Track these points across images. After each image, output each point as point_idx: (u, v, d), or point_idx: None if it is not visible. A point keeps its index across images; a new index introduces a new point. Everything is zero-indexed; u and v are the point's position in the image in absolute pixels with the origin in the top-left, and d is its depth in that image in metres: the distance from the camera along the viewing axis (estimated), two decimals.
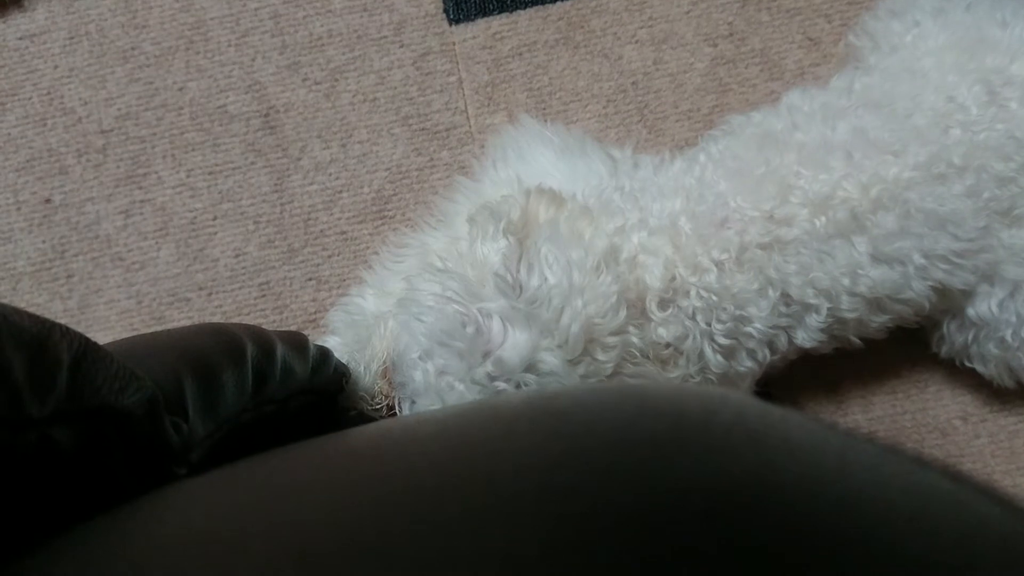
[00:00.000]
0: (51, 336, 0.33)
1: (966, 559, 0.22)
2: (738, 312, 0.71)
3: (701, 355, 0.72)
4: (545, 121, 1.00)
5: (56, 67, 1.06)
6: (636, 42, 1.04)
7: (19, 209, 1.03)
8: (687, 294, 0.71)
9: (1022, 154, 0.73)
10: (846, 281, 0.74)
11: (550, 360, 0.65)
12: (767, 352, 0.75)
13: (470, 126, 1.03)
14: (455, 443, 0.30)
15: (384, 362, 0.74)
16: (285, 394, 0.61)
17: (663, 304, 0.70)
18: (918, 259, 0.74)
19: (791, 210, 0.71)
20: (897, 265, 0.74)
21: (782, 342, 0.75)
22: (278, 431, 0.64)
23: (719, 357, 0.72)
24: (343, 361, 0.78)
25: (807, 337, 0.76)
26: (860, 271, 0.74)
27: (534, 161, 0.92)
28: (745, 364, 0.75)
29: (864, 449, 0.28)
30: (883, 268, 0.74)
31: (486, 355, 0.66)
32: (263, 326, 1.00)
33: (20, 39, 1.07)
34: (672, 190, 0.75)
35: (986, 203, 0.73)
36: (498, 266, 0.67)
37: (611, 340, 0.66)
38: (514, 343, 0.65)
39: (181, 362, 0.47)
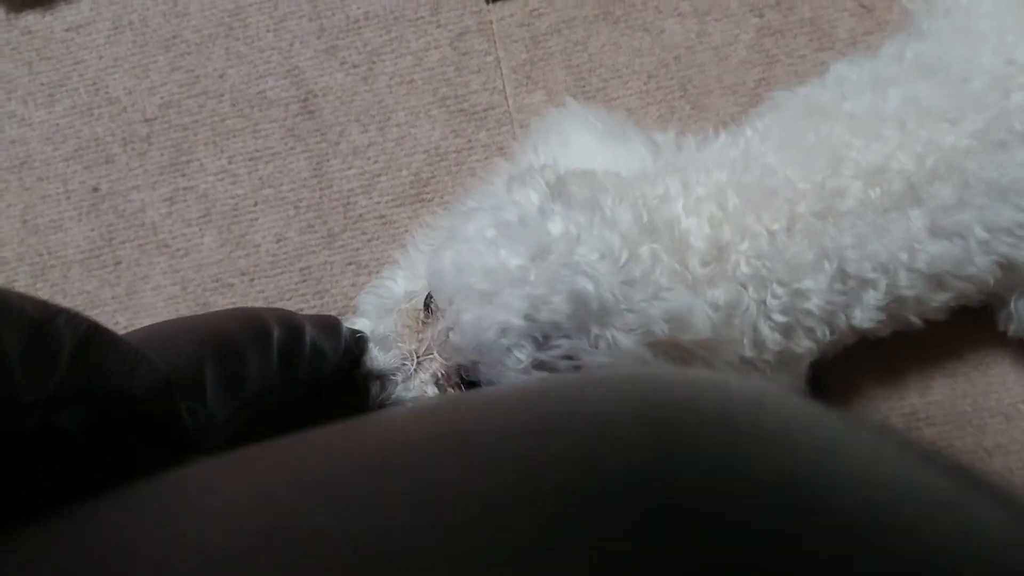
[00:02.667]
0: (53, 321, 0.33)
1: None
2: (794, 285, 0.68)
3: (756, 331, 0.69)
4: (585, 100, 0.98)
5: (101, 57, 1.07)
6: (678, 15, 1.00)
7: (68, 198, 1.05)
8: (737, 263, 0.68)
9: None
10: (904, 256, 0.70)
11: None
12: (826, 330, 0.72)
13: (508, 106, 1.01)
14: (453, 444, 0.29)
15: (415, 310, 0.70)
16: (315, 376, 0.61)
17: (706, 263, 0.67)
18: (980, 232, 0.70)
19: (843, 182, 0.68)
20: (957, 239, 0.70)
21: (840, 320, 0.72)
22: (312, 413, 0.64)
23: (776, 335, 0.69)
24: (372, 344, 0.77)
25: (865, 316, 0.73)
26: (918, 245, 0.70)
27: (576, 145, 0.90)
28: (803, 344, 0.72)
29: (889, 448, 0.25)
30: (942, 242, 0.70)
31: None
32: (303, 311, 1.00)
33: (66, 31, 1.08)
34: (716, 163, 0.72)
35: None
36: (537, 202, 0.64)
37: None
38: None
39: (202, 346, 0.47)
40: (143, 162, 1.05)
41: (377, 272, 1.00)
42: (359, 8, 1.05)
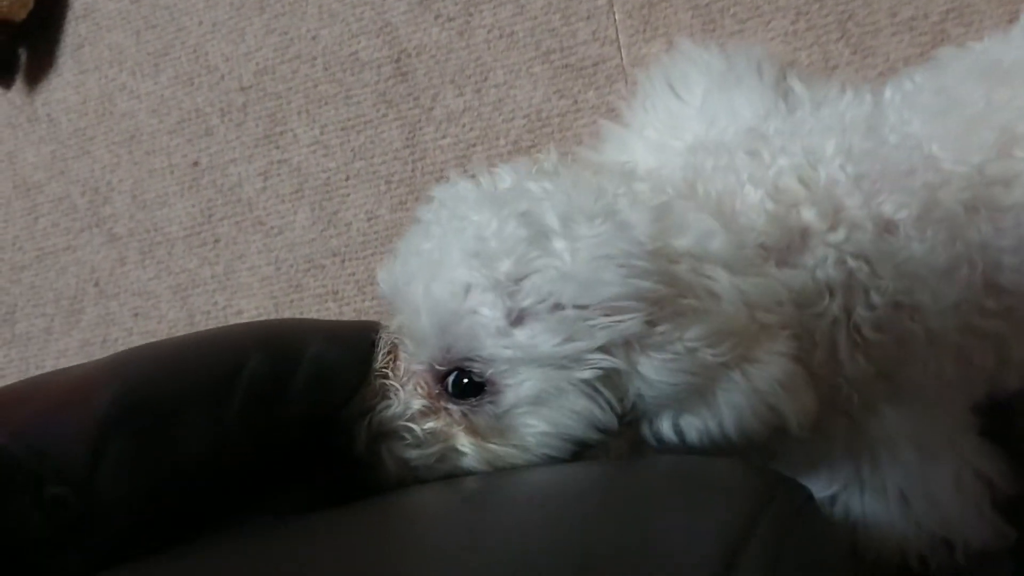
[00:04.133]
0: None
1: None
2: (900, 297, 0.49)
3: (833, 348, 0.51)
4: (713, 46, 0.79)
5: (200, 23, 1.02)
6: None
7: (172, 172, 1.03)
8: (824, 258, 0.50)
9: None
10: None
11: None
12: (950, 367, 0.52)
13: (621, 59, 0.85)
14: None
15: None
16: (316, 410, 0.51)
17: (767, 248, 0.50)
18: None
19: (1014, 166, 0.48)
20: None
21: (982, 355, 0.52)
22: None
23: (859, 359, 0.51)
24: None
25: None
26: None
27: (687, 94, 0.73)
28: (914, 375, 0.53)
29: None
30: None
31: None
32: None
33: None
34: (829, 128, 0.54)
35: None
36: None
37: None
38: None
39: (111, 407, 0.38)
40: (240, 133, 1.00)
41: None
42: None
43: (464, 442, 0.53)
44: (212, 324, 1.00)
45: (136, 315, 1.03)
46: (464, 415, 0.52)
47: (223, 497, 0.45)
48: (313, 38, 0.97)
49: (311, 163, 0.96)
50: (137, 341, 0.97)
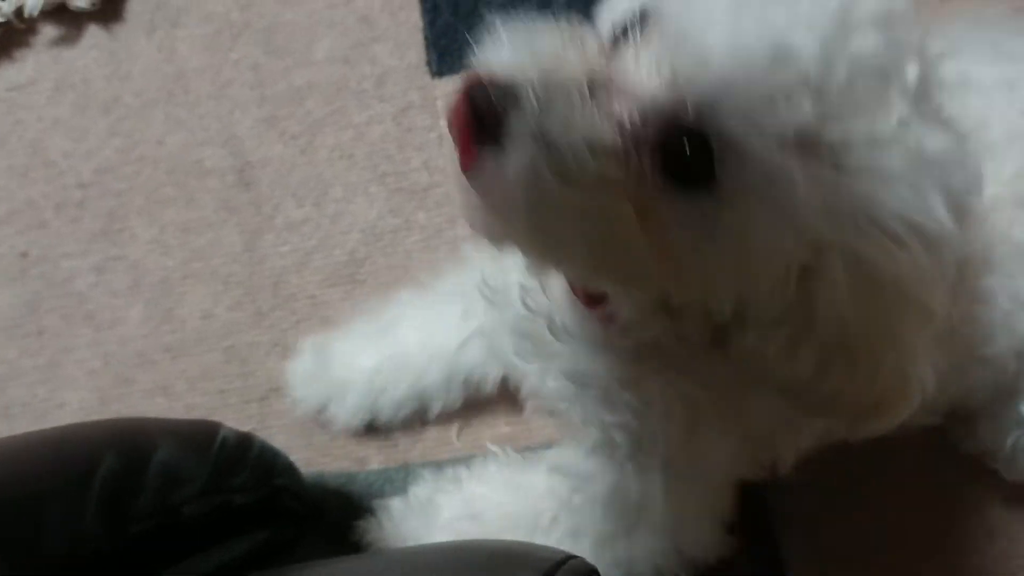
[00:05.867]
0: None
1: None
2: None
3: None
4: None
5: (40, 119, 1.04)
6: None
7: None
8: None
9: None
10: None
11: None
12: None
13: (449, 186, 0.97)
14: None
15: None
16: (162, 509, 0.56)
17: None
18: None
19: None
20: None
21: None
22: (183, 542, 0.59)
23: None
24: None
25: None
26: None
27: None
28: None
29: None
30: None
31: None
32: (226, 393, 0.96)
33: (9, 90, 1.06)
34: None
35: None
36: None
37: None
38: None
39: None
40: (75, 228, 1.01)
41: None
42: (303, 78, 1.01)
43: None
44: (31, 416, 0.98)
45: None
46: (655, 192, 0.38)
47: None
48: (158, 143, 1.02)
49: (149, 261, 1.00)
50: None
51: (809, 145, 0.36)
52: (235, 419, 0.94)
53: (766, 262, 0.39)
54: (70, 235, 1.01)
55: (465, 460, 0.85)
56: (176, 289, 0.99)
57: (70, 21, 1.04)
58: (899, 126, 0.36)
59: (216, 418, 0.93)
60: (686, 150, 0.37)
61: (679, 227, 0.39)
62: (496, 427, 0.91)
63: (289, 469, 0.75)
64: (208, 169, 1.00)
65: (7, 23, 1.03)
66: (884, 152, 0.36)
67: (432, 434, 0.90)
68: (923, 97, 0.38)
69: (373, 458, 0.90)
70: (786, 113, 0.35)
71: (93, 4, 1.02)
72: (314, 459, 0.90)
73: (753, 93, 0.35)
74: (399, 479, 0.89)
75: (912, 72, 0.37)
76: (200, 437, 0.63)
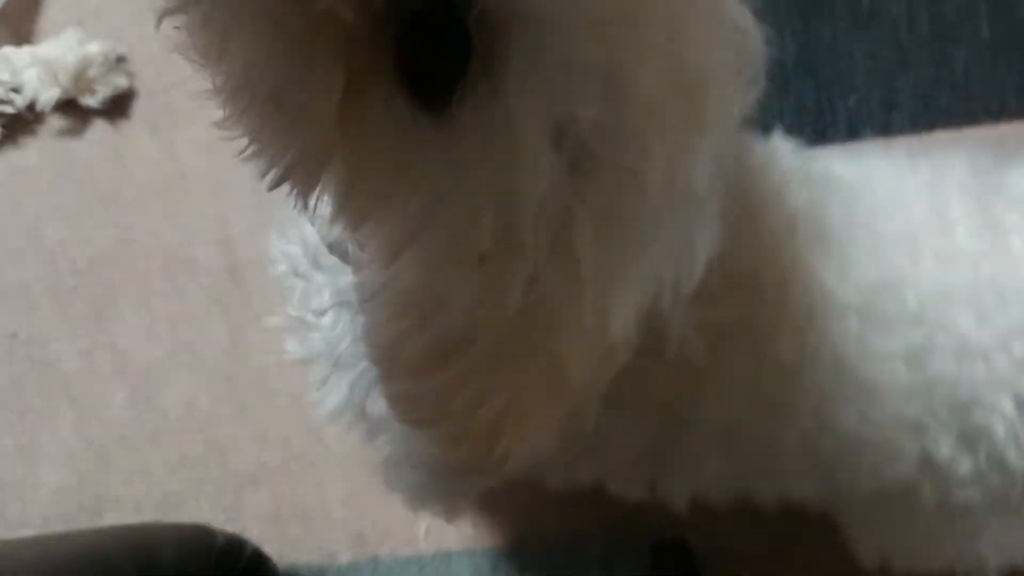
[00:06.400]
0: None
1: None
2: None
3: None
4: None
5: (40, 204, 1.09)
6: None
7: None
8: None
9: None
10: None
11: None
12: None
13: None
14: None
15: None
16: None
17: None
18: None
19: None
20: None
21: None
22: None
23: None
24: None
25: None
26: None
27: None
28: None
29: None
30: None
31: None
32: (203, 484, 1.01)
33: (11, 174, 1.10)
34: None
35: None
36: None
37: None
38: None
39: None
40: (66, 313, 1.06)
41: (283, 450, 1.01)
42: None
43: None
44: (7, 494, 1.02)
45: None
46: None
47: None
48: (155, 236, 1.08)
49: (137, 349, 1.05)
50: None
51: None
52: (210, 508, 1.00)
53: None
54: (60, 319, 1.06)
55: (431, 557, 0.92)
56: (161, 378, 1.04)
57: (77, 115, 1.10)
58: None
59: (191, 506, 0.99)
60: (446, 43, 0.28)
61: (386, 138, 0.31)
62: (461, 526, 0.97)
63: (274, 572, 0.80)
64: (201, 265, 1.06)
65: (17, 114, 1.08)
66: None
67: (400, 531, 0.97)
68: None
69: (343, 554, 0.96)
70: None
71: (102, 103, 1.08)
72: (286, 553, 0.96)
73: None
74: (367, 571, 0.96)
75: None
76: (197, 542, 0.68)
